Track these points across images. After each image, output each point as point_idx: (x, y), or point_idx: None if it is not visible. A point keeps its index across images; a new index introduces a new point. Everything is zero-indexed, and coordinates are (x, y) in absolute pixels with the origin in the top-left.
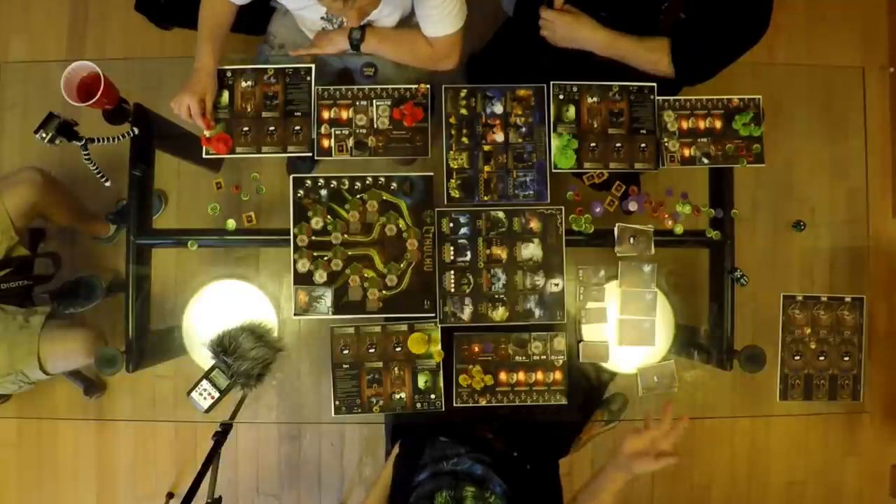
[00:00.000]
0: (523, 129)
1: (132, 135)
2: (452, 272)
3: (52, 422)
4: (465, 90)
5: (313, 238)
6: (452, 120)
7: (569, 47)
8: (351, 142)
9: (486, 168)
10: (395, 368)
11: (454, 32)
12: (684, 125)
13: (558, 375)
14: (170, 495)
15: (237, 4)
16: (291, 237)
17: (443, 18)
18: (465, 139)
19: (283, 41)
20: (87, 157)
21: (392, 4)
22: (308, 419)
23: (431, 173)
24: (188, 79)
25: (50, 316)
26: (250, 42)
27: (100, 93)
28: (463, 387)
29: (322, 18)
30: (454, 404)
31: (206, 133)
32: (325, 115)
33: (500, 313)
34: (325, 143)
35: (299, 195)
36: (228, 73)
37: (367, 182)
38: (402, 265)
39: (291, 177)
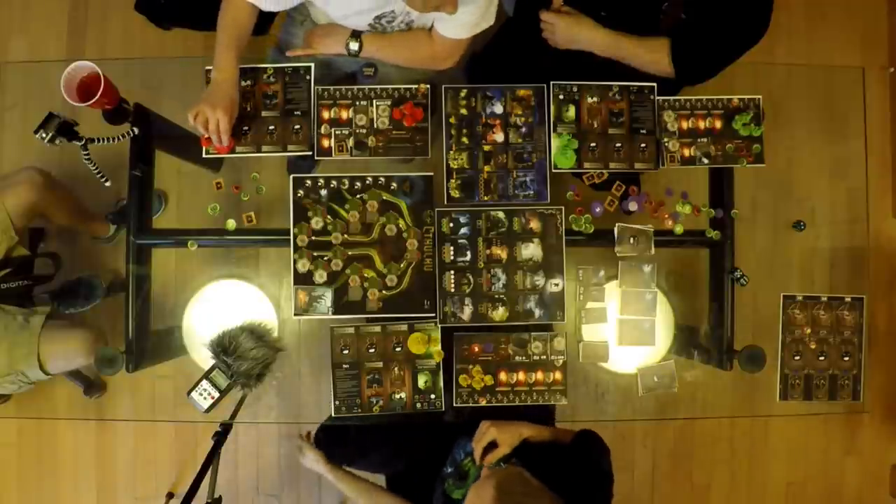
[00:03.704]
0: (523, 129)
1: (132, 135)
2: (452, 272)
3: (52, 422)
4: (465, 90)
5: (313, 238)
6: (452, 120)
7: (570, 48)
8: (351, 142)
9: (486, 168)
10: (395, 368)
11: (466, 38)
12: (684, 125)
13: (558, 375)
14: (170, 495)
15: (258, 8)
16: (291, 237)
17: (463, 22)
18: (465, 139)
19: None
20: (87, 157)
21: None
22: (308, 419)
23: (431, 173)
24: (211, 90)
25: (50, 316)
26: (250, 42)
27: (100, 93)
28: (463, 387)
29: (369, 25)
30: (454, 404)
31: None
32: (325, 115)
33: (500, 313)
34: (325, 143)
35: (299, 195)
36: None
37: (367, 182)
38: (402, 265)
39: (291, 177)
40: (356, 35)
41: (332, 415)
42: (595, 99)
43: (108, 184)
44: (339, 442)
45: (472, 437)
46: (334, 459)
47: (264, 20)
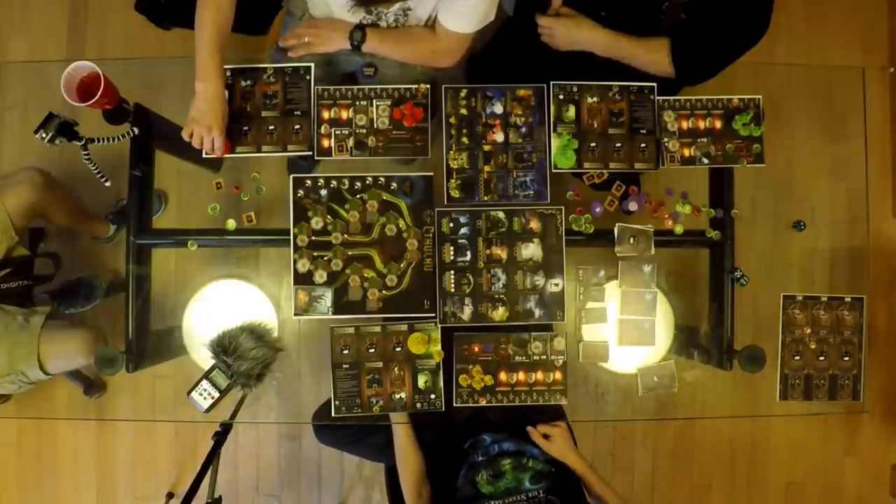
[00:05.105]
0: (523, 129)
1: (132, 135)
2: (452, 272)
3: (52, 422)
4: (465, 90)
5: (313, 238)
6: (452, 120)
7: (570, 50)
8: (351, 142)
9: (486, 168)
10: (395, 368)
11: (470, 33)
12: (684, 125)
13: (558, 375)
14: (170, 495)
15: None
16: (291, 237)
17: (467, 16)
18: (465, 139)
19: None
20: (87, 157)
21: None
22: (308, 419)
23: (431, 173)
24: (201, 109)
25: (50, 316)
26: (250, 42)
27: (100, 93)
28: (463, 387)
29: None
30: (454, 404)
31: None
32: (325, 115)
33: (500, 313)
34: (325, 143)
35: (299, 195)
36: (227, 73)
37: (367, 182)
38: (402, 265)
39: (291, 177)
40: (360, 27)
41: (333, 414)
42: (595, 99)
43: (108, 184)
44: (335, 425)
45: (513, 436)
46: (328, 443)
47: (264, 20)
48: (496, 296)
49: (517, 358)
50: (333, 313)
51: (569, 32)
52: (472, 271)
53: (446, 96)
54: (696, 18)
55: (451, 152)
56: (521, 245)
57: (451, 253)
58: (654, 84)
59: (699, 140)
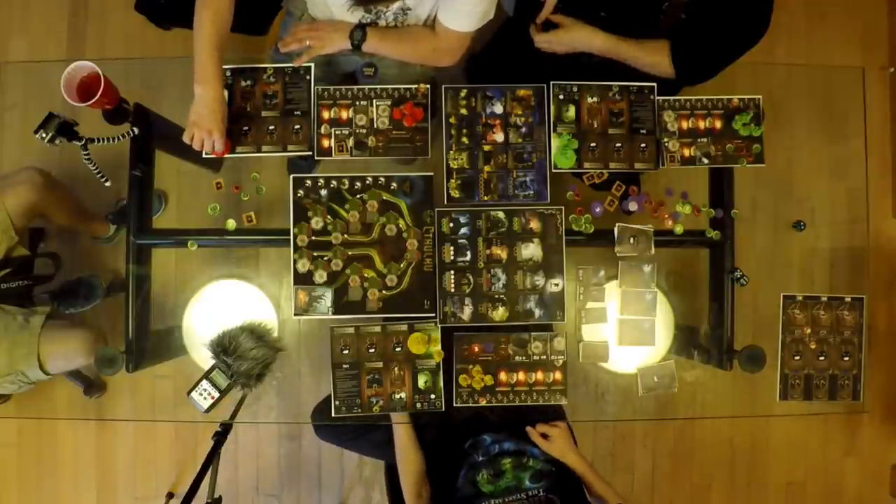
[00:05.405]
0: (523, 129)
1: (132, 135)
2: (452, 272)
3: (52, 422)
4: (465, 90)
5: (313, 238)
6: (452, 120)
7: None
8: (351, 142)
9: (486, 168)
10: (395, 368)
11: (470, 31)
12: (684, 125)
13: (558, 375)
14: (170, 495)
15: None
16: (291, 237)
17: (467, 14)
18: (465, 139)
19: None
20: (87, 157)
21: None
22: (308, 419)
23: (431, 173)
24: (201, 113)
25: (50, 316)
26: (250, 42)
27: (100, 93)
28: (463, 387)
29: (363, 14)
30: (454, 404)
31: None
32: (325, 115)
33: (500, 313)
34: (325, 143)
35: (299, 195)
36: (227, 73)
37: (367, 182)
38: (402, 265)
39: (291, 177)
40: (361, 26)
41: (333, 415)
42: (595, 99)
43: (108, 184)
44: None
45: (513, 436)
46: (328, 439)
47: (264, 20)
48: (496, 296)
49: (517, 358)
50: (333, 313)
51: (567, 43)
52: (472, 271)
53: (446, 96)
54: (696, 18)
55: (451, 152)
56: (521, 245)
57: (451, 253)
58: (654, 84)
59: (699, 140)
